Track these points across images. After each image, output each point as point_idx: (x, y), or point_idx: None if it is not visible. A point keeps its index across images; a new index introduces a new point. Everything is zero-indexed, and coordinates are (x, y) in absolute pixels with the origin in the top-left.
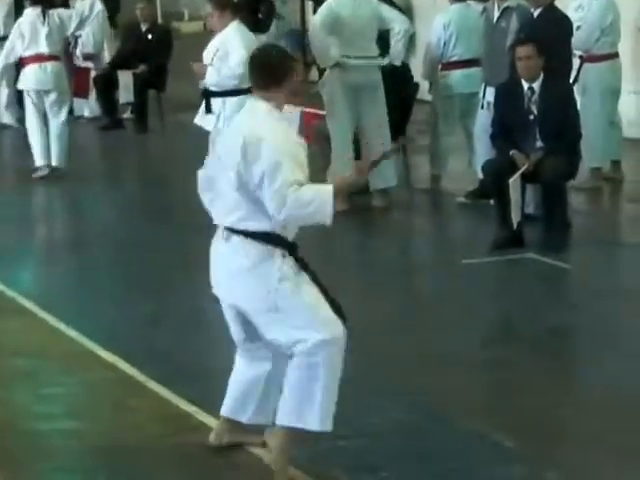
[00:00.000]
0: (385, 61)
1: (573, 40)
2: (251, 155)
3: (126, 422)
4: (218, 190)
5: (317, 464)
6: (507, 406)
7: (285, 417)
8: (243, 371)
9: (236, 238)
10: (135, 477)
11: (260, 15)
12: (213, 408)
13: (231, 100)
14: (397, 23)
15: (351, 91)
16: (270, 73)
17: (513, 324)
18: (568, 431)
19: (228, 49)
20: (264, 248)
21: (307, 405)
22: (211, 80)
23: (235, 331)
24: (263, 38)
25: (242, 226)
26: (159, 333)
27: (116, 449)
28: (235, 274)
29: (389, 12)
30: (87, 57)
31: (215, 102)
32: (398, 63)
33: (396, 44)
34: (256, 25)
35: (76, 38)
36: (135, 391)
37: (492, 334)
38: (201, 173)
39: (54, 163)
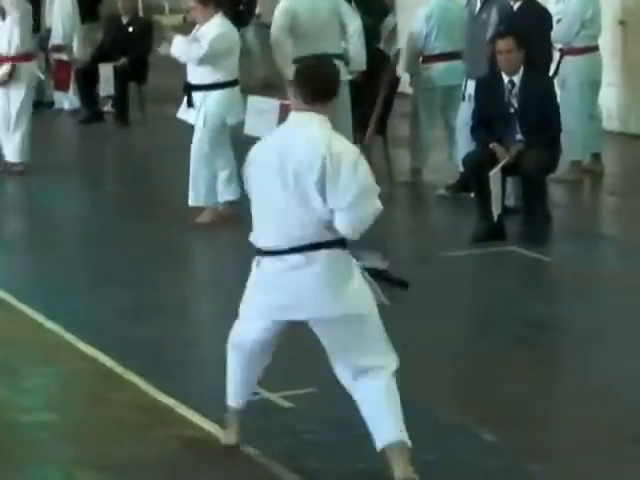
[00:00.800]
0: (347, 76)
1: (553, 33)
2: (333, 168)
3: (105, 414)
4: (276, 212)
5: (296, 458)
6: (487, 398)
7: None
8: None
9: (320, 253)
10: (114, 469)
11: (241, 7)
12: (192, 401)
13: (213, 94)
14: (351, 24)
15: None
16: (326, 88)
17: (493, 316)
18: (549, 423)
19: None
20: (345, 254)
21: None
22: (195, 75)
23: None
24: (250, 34)
25: (323, 238)
26: (138, 326)
27: (95, 441)
28: (338, 286)
29: (346, 10)
30: (57, 49)
31: (196, 96)
32: (362, 67)
33: (354, 47)
34: (237, 18)
35: (49, 31)
36: (114, 383)
37: (471, 326)
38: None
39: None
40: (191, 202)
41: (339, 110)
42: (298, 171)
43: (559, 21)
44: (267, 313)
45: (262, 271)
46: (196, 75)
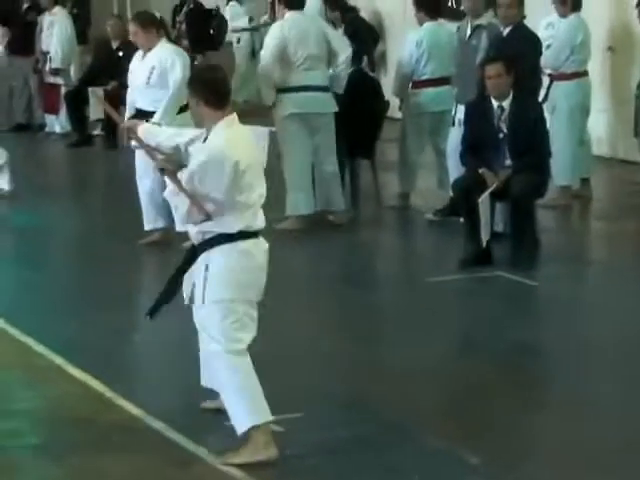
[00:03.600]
0: (334, 108)
1: (543, 58)
2: None
3: (95, 438)
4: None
5: None
6: (472, 421)
7: None
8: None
9: None
10: None
11: (212, 31)
12: (183, 425)
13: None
14: (342, 53)
15: (301, 118)
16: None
17: (479, 340)
18: (534, 446)
19: (166, 68)
20: None
21: None
22: (146, 100)
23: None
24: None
25: None
26: (129, 348)
27: (85, 466)
28: None
29: (334, 36)
30: (55, 72)
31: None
32: (341, 91)
33: (339, 73)
34: (208, 42)
35: (45, 54)
36: (104, 407)
37: (458, 350)
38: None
39: None
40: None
41: (325, 140)
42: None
43: (549, 46)
44: (256, 297)
45: (263, 251)
46: (147, 101)
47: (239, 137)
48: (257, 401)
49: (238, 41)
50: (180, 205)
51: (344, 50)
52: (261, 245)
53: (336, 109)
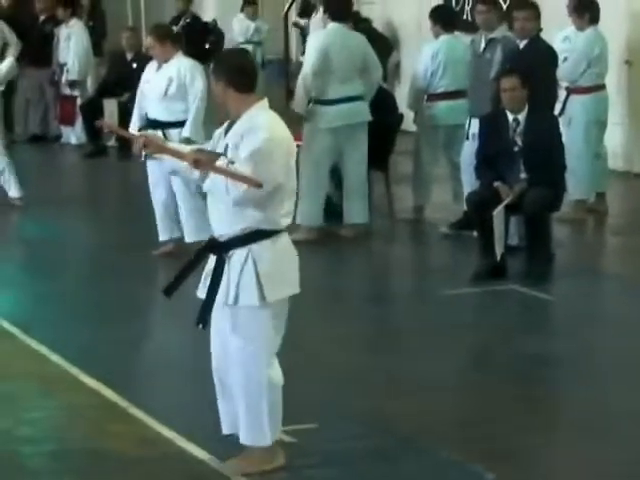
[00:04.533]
0: (369, 117)
1: (559, 71)
2: None
3: (108, 447)
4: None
5: None
6: (487, 435)
7: None
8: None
9: None
10: None
11: (208, 45)
12: (196, 435)
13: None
14: (374, 73)
15: (333, 131)
16: None
17: (493, 354)
18: (549, 460)
19: (185, 81)
20: None
21: None
22: (162, 111)
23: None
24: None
25: None
26: (142, 358)
27: (98, 474)
28: None
29: (371, 56)
30: (72, 84)
31: (173, 132)
32: None
33: (370, 91)
34: (204, 56)
35: (62, 66)
36: (117, 416)
37: (472, 364)
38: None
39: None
40: (188, 238)
41: (359, 147)
42: None
43: (565, 59)
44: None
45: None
46: (163, 112)
47: (279, 120)
48: (278, 417)
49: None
50: (232, 189)
51: (377, 69)
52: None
53: (370, 118)
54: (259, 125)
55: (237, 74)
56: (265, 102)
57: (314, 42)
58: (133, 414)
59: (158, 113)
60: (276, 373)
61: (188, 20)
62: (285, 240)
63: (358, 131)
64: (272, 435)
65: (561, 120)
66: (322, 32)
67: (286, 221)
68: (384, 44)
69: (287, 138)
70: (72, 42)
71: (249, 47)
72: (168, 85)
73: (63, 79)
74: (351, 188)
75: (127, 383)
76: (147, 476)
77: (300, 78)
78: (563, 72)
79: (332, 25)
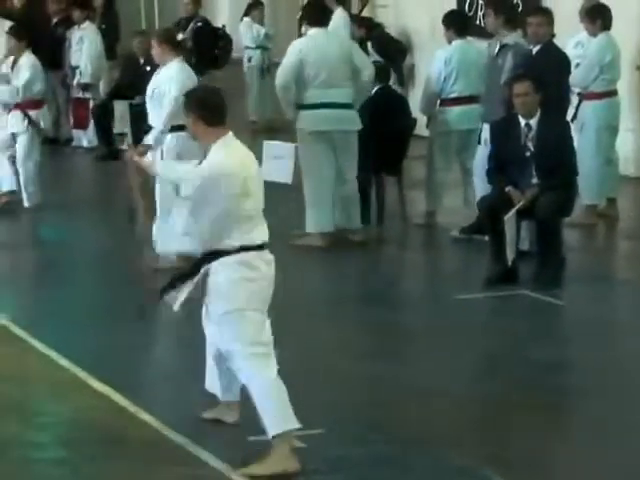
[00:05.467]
0: (358, 126)
1: (572, 77)
2: None
3: (118, 452)
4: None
5: None
6: (498, 441)
7: None
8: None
9: None
10: None
11: (217, 51)
12: (206, 440)
13: (168, 137)
14: (365, 70)
15: (321, 135)
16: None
17: (504, 359)
18: (560, 467)
19: (165, 90)
20: None
21: None
22: (150, 114)
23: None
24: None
25: None
26: (152, 362)
27: (107, 478)
28: None
29: (359, 56)
30: (84, 87)
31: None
32: (365, 97)
33: (362, 90)
34: (213, 61)
35: (74, 69)
36: (127, 421)
37: (483, 369)
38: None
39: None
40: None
41: (347, 158)
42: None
43: (578, 65)
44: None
45: (266, 263)
46: (150, 115)
47: (237, 153)
48: (283, 408)
49: (249, 60)
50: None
51: (367, 67)
52: (264, 257)
53: (360, 127)
54: (208, 160)
55: (202, 108)
56: (229, 136)
57: (291, 49)
58: (142, 418)
59: (150, 115)
60: (264, 364)
61: (199, 24)
62: (244, 258)
63: (349, 139)
64: (278, 425)
65: (573, 126)
66: (300, 39)
67: (243, 242)
68: (398, 48)
69: (239, 170)
70: (85, 45)
71: (257, 52)
72: (154, 89)
73: (75, 82)
74: (344, 195)
75: (136, 387)
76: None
77: (276, 85)
78: (575, 78)
79: (311, 31)
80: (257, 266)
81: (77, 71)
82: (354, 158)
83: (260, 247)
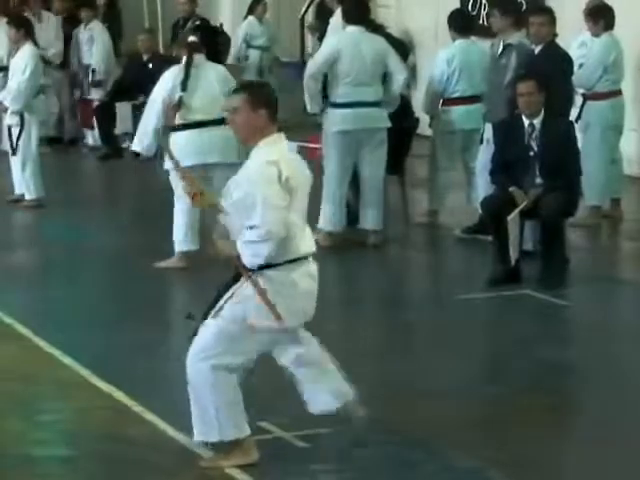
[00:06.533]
0: (388, 124)
1: (575, 78)
2: None
3: (121, 451)
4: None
5: None
6: (500, 441)
7: None
8: None
9: None
10: None
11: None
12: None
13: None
14: (399, 75)
15: (346, 135)
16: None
17: (507, 359)
18: (563, 468)
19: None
20: None
21: None
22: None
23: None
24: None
25: None
26: (156, 362)
27: (110, 477)
28: None
29: (394, 60)
30: (97, 84)
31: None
32: (392, 110)
33: (394, 94)
34: (215, 59)
35: (86, 68)
36: (130, 420)
37: (486, 369)
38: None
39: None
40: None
41: (375, 155)
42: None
43: (581, 65)
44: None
45: (309, 276)
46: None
47: (285, 154)
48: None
49: (246, 59)
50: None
51: (401, 72)
52: (309, 269)
53: (389, 124)
54: (254, 163)
55: (272, 103)
56: (282, 135)
57: (327, 43)
58: (146, 418)
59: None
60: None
61: (197, 22)
62: (287, 275)
63: (375, 137)
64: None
65: (577, 126)
66: (337, 35)
67: (288, 257)
68: (401, 48)
69: (290, 172)
70: (97, 43)
71: (257, 52)
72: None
73: (88, 80)
74: (367, 195)
75: (140, 386)
76: None
77: (305, 76)
78: (579, 78)
79: (348, 28)
80: (298, 283)
81: (89, 70)
82: (382, 155)
83: (304, 258)
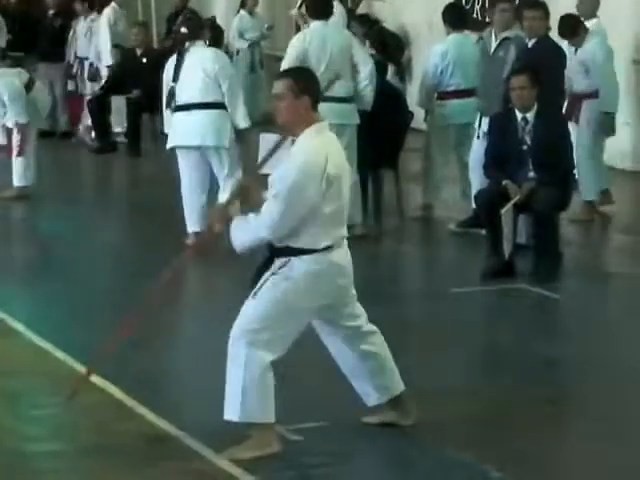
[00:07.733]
0: (356, 120)
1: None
2: None
3: (114, 445)
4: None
5: None
6: (495, 437)
7: None
8: None
9: None
10: None
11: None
12: (203, 434)
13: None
14: (363, 66)
15: None
16: None
17: (502, 353)
18: (559, 462)
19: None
20: None
21: None
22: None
23: None
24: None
25: None
26: (149, 356)
27: (103, 472)
28: None
29: (359, 51)
30: (93, 78)
31: None
32: (368, 108)
33: (364, 88)
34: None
35: (82, 60)
36: (123, 414)
37: (481, 362)
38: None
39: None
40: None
41: (347, 151)
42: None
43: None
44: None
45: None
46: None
47: (330, 145)
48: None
49: (237, 53)
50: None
51: (365, 64)
52: (343, 253)
53: (358, 121)
54: (296, 157)
55: (317, 91)
56: (325, 124)
57: (293, 43)
58: (139, 413)
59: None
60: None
61: (188, 16)
62: (326, 257)
63: (346, 133)
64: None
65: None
66: (302, 32)
67: (328, 242)
68: (396, 43)
69: (330, 166)
70: (99, 34)
71: (246, 45)
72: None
73: (85, 74)
74: None
75: (134, 381)
76: (154, 474)
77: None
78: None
79: (312, 24)
80: (337, 263)
81: (86, 62)
82: (353, 152)
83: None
